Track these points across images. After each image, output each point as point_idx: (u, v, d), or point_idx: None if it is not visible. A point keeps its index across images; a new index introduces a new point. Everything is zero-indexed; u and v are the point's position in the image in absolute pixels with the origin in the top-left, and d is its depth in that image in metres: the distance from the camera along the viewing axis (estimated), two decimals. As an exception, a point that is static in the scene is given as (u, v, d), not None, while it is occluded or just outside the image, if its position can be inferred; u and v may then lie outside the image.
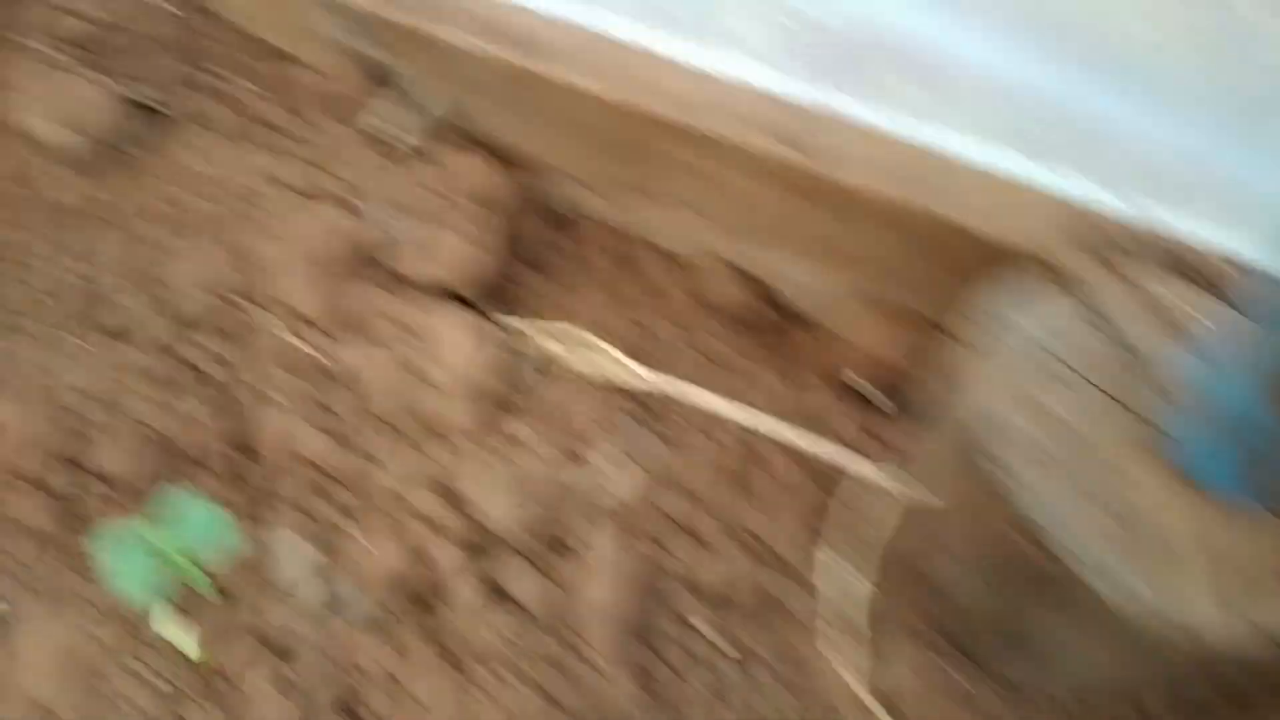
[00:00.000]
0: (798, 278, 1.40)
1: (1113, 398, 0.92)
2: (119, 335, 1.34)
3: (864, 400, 1.39)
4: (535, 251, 1.42)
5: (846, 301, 1.36)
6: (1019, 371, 0.96)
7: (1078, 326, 0.98)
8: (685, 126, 1.24)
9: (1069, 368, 0.95)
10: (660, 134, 1.27)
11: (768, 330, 1.43)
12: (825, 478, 1.31)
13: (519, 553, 1.23)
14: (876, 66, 1.21)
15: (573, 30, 1.29)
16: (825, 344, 1.39)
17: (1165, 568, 0.83)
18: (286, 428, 1.26)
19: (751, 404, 1.37)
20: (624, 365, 1.32)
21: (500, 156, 1.40)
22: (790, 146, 1.22)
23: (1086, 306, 1.00)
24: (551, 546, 1.25)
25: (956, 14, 1.24)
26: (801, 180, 1.23)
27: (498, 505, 1.22)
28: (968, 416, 0.96)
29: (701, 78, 1.26)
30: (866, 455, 1.34)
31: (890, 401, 1.38)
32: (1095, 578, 0.83)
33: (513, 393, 1.30)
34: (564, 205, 1.47)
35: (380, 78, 1.37)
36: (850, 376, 1.36)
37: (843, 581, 1.24)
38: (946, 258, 1.23)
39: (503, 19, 1.29)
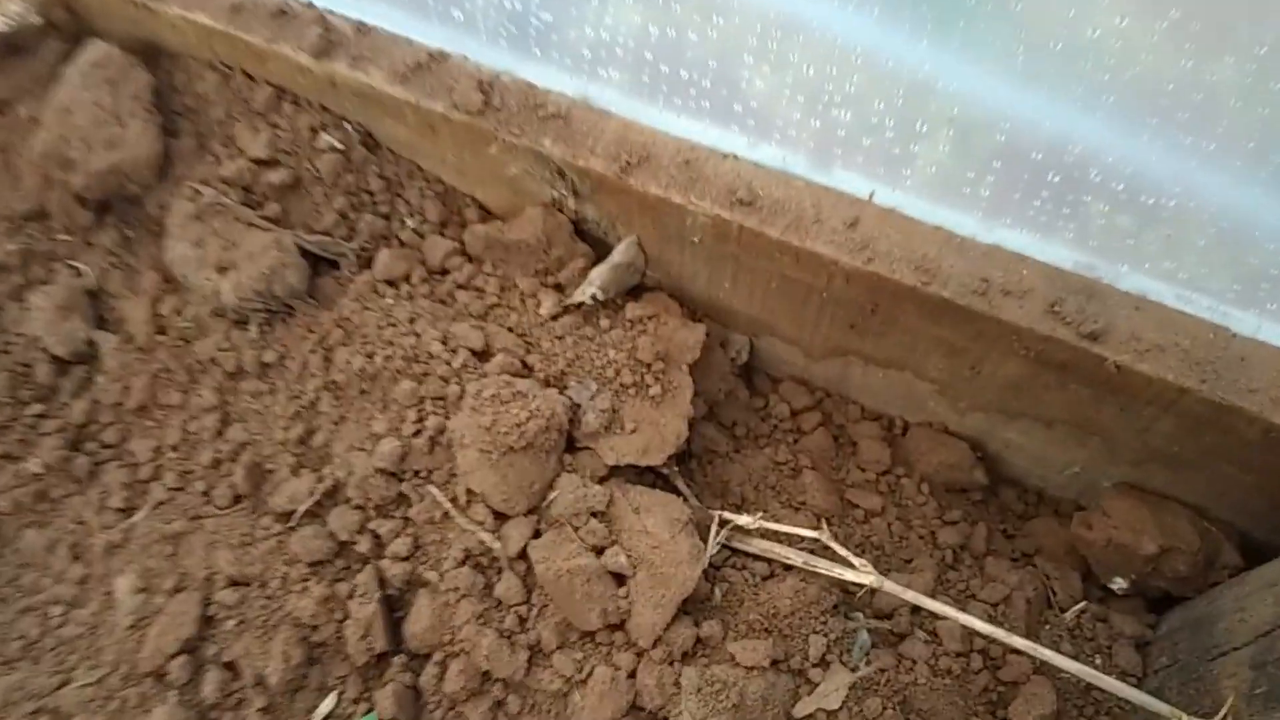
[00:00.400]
0: (1036, 452, 1.23)
1: None
2: (278, 516, 1.21)
3: (1105, 590, 1.21)
4: (736, 419, 1.27)
5: (1092, 482, 1.19)
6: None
7: None
8: (921, 290, 1.09)
9: None
10: (888, 296, 1.12)
11: (994, 508, 1.26)
12: (1070, 686, 1.13)
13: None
14: (1148, 230, 1.05)
15: (794, 183, 1.15)
16: (1063, 524, 1.22)
17: None
18: (457, 624, 1.12)
19: (975, 595, 1.20)
20: (834, 550, 1.15)
21: (703, 317, 1.26)
22: (1049, 316, 1.06)
23: None
24: (764, 774, 1.08)
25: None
26: (1058, 352, 1.07)
27: (702, 726, 1.06)
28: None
29: (943, 238, 1.12)
30: (1110, 657, 1.16)
31: (1136, 593, 1.19)
32: None
33: (709, 588, 1.14)
34: (769, 368, 1.33)
35: (573, 229, 1.23)
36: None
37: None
38: (1229, 447, 1.05)
39: (715, 169, 1.16)
